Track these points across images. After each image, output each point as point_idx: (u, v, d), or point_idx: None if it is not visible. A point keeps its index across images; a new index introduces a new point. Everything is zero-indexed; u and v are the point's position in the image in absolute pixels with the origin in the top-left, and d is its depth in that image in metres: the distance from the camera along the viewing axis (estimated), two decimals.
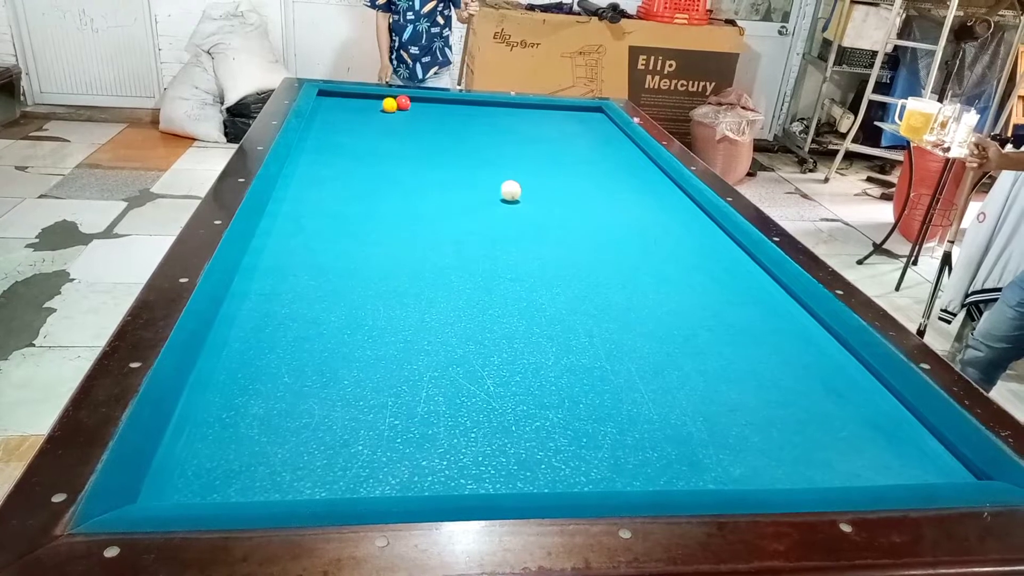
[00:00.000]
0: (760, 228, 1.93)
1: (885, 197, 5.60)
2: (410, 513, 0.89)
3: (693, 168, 2.41)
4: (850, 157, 6.00)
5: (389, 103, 2.90)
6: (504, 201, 2.11)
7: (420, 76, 3.92)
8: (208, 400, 1.12)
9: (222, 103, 5.15)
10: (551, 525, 0.88)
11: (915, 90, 5.51)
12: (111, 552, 0.80)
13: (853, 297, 1.58)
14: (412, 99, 3.03)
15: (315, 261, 1.62)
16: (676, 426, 1.16)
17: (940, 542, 0.93)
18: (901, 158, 5.31)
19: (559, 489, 1.00)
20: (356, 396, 1.16)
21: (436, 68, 3.94)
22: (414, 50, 3.83)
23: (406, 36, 3.81)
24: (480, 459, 1.05)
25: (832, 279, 1.66)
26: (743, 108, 5.31)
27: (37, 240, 3.40)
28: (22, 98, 5.19)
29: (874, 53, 5.60)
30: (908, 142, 4.10)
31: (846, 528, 0.92)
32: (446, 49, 3.96)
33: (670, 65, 5.47)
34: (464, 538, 0.86)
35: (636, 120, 2.98)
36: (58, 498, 0.86)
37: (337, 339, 1.32)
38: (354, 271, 1.59)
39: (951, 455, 1.16)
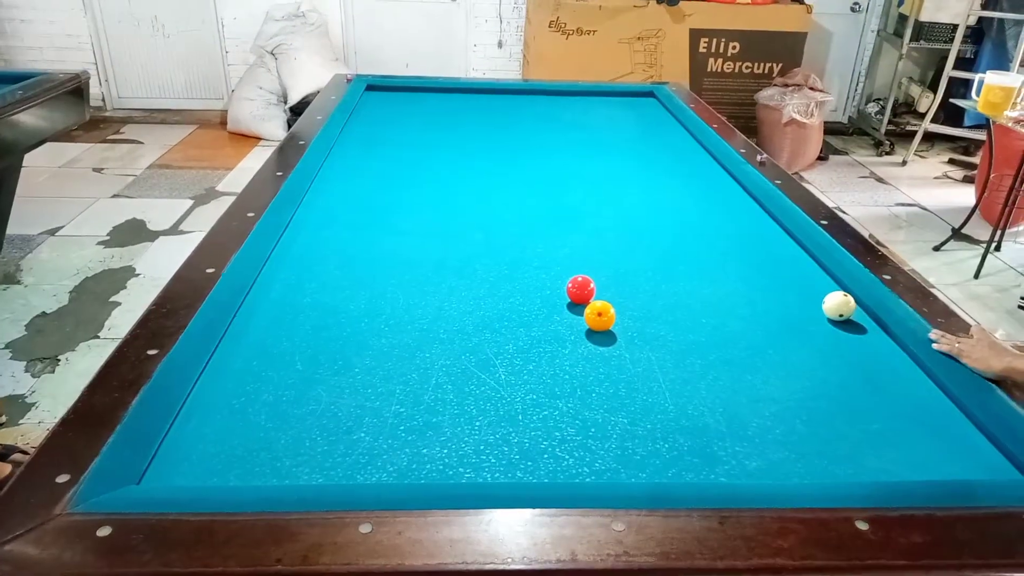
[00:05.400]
0: (808, 211, 1.84)
1: (967, 180, 5.27)
2: (400, 500, 0.88)
3: (743, 152, 2.32)
4: (930, 138, 5.66)
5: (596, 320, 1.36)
6: None
7: None
8: (221, 387, 1.14)
9: (285, 102, 5.29)
10: (541, 515, 0.86)
11: (1002, 64, 5.15)
12: (103, 532, 0.82)
13: (900, 282, 1.48)
14: (459, 90, 3.03)
15: (344, 251, 1.63)
16: (692, 416, 1.11)
17: (970, 543, 0.86)
18: (984, 137, 4.99)
19: (560, 480, 0.97)
20: (365, 384, 1.16)
21: None
22: None
23: None
24: (482, 448, 1.02)
25: (880, 263, 1.57)
26: (811, 89, 5.09)
27: (108, 238, 3.57)
28: (102, 102, 5.45)
29: (955, 27, 5.26)
30: (988, 119, 3.84)
31: (862, 526, 0.86)
32: None
33: (733, 47, 5.29)
34: (449, 527, 0.84)
35: (691, 106, 2.89)
36: (62, 479, 0.89)
37: (354, 327, 1.32)
38: (380, 260, 1.59)
39: (997, 451, 1.07)
